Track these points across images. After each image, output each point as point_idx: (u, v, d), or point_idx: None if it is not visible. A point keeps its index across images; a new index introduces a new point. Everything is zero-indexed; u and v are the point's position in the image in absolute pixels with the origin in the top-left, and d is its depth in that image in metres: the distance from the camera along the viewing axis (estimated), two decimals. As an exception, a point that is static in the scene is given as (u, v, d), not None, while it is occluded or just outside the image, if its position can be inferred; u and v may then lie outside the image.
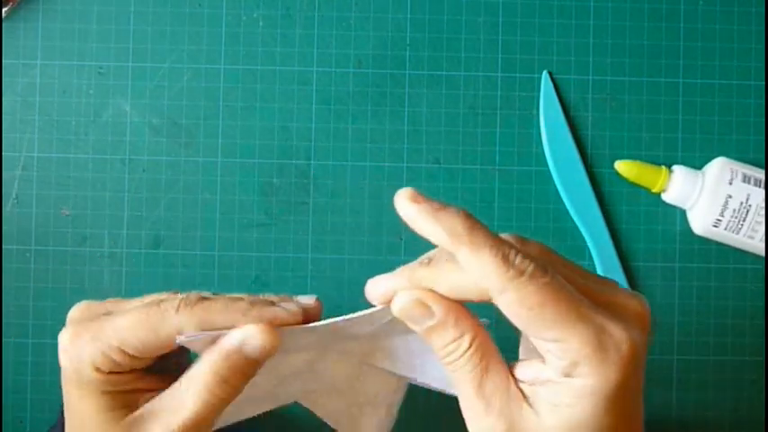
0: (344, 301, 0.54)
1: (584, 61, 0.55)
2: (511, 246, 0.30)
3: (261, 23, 0.54)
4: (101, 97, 0.54)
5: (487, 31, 0.55)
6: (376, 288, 0.33)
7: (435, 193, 0.54)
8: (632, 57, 0.55)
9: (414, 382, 0.38)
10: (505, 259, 0.30)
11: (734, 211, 0.51)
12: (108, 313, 0.35)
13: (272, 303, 0.34)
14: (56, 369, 0.55)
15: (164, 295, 0.35)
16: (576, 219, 0.54)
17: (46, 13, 0.54)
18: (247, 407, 0.38)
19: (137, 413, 0.34)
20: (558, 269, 0.31)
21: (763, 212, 0.51)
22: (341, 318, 0.34)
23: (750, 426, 0.54)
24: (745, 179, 0.51)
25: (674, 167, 0.53)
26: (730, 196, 0.51)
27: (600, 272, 0.54)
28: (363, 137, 0.54)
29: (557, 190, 0.54)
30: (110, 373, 0.34)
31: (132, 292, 0.53)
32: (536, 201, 0.54)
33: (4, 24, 0.54)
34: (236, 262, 0.54)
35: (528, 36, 0.55)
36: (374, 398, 0.39)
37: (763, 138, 0.55)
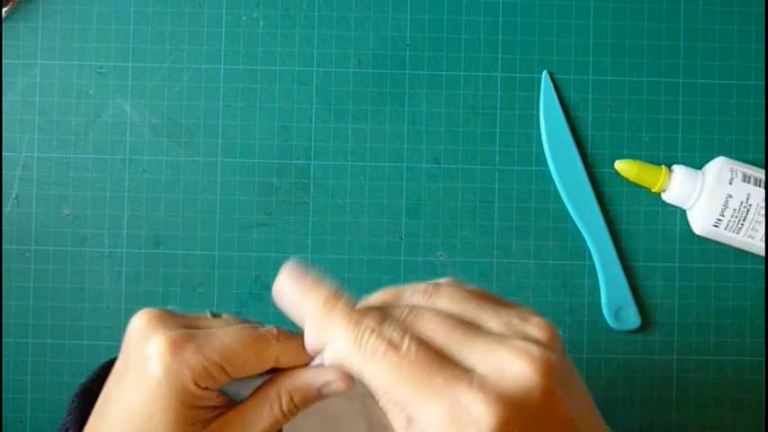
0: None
1: (584, 61, 0.55)
2: (368, 325, 0.31)
3: (261, 23, 0.54)
4: (101, 97, 0.54)
5: (487, 31, 0.55)
6: (287, 294, 0.36)
7: (435, 194, 0.54)
8: (632, 57, 0.55)
9: None
10: (355, 344, 0.31)
11: (734, 210, 0.51)
12: (196, 327, 0.36)
13: None
14: (56, 369, 0.56)
15: (247, 321, 0.38)
16: (575, 219, 0.54)
17: (46, 13, 0.54)
18: None
19: (211, 426, 0.35)
20: (455, 300, 0.31)
21: (763, 212, 0.51)
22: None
23: (750, 426, 0.54)
24: (746, 179, 0.51)
25: (674, 167, 0.53)
26: (730, 196, 0.51)
27: (600, 272, 0.54)
28: (363, 137, 0.54)
29: (557, 190, 0.54)
30: (206, 388, 0.34)
31: (132, 292, 0.53)
32: (536, 201, 0.54)
33: (4, 24, 0.54)
34: (236, 262, 0.54)
35: (528, 36, 0.55)
36: None
37: (763, 138, 0.55)
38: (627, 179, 0.53)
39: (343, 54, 0.54)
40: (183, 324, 0.36)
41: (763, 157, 0.54)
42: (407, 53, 0.54)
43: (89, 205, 0.54)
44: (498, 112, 0.54)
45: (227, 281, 0.54)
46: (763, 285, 0.54)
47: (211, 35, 0.54)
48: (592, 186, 0.54)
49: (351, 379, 0.34)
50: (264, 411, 0.35)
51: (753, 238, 0.52)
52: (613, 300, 0.53)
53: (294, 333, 0.36)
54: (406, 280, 0.54)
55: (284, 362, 0.36)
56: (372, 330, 0.30)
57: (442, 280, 0.34)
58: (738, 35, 0.55)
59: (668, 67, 0.55)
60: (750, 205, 0.51)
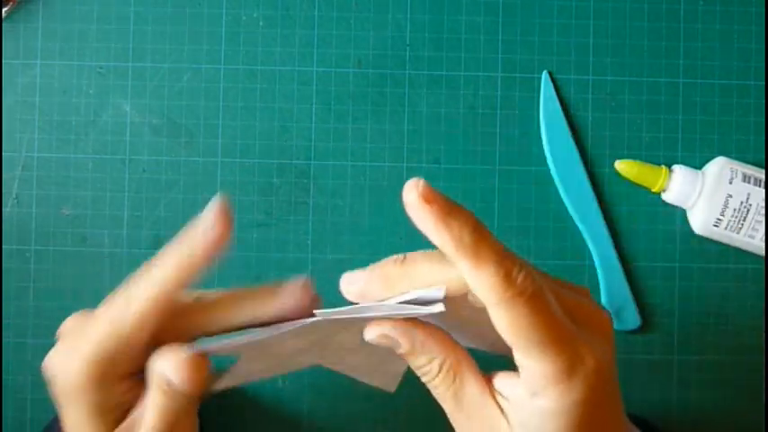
0: (344, 301, 0.54)
1: (584, 61, 0.55)
2: (515, 262, 0.30)
3: (261, 23, 0.54)
4: (101, 97, 0.54)
5: (487, 31, 0.55)
6: (350, 285, 0.36)
7: (435, 193, 0.54)
8: (632, 57, 0.55)
9: None
10: (507, 277, 0.30)
11: (734, 210, 0.51)
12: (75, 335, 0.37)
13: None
14: (56, 369, 0.55)
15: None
16: (576, 219, 0.54)
17: (46, 13, 0.54)
18: (257, 374, 0.38)
19: (122, 425, 0.35)
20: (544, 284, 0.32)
21: (763, 212, 0.51)
22: (317, 319, 0.35)
23: (750, 426, 0.54)
24: (746, 179, 0.51)
25: (674, 167, 0.53)
26: (730, 196, 0.51)
27: (600, 272, 0.54)
28: (363, 137, 0.54)
29: (557, 190, 0.54)
30: (93, 386, 0.35)
31: (132, 292, 0.53)
32: (536, 201, 0.54)
33: (4, 24, 0.54)
34: (236, 262, 0.54)
35: (528, 36, 0.55)
36: (387, 354, 0.39)
37: (763, 138, 0.55)
38: (627, 179, 0.53)
39: (343, 54, 0.54)
40: (84, 320, 0.37)
41: (763, 156, 0.54)
42: (407, 53, 0.54)
43: (89, 205, 0.54)
44: (498, 112, 0.54)
45: (227, 281, 0.54)
46: (763, 285, 0.54)
47: (211, 35, 0.54)
48: (592, 186, 0.54)
49: (195, 367, 0.33)
50: (149, 399, 0.34)
51: (753, 238, 0.52)
52: (613, 300, 0.53)
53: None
54: (406, 280, 0.54)
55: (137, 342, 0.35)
56: (523, 269, 0.30)
57: None
58: (738, 35, 0.55)
59: (668, 67, 0.55)
60: (750, 205, 0.51)
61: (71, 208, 0.54)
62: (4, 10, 0.54)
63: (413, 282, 0.33)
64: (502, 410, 0.33)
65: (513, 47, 0.54)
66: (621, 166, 0.53)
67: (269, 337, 0.35)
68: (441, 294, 0.33)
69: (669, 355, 0.54)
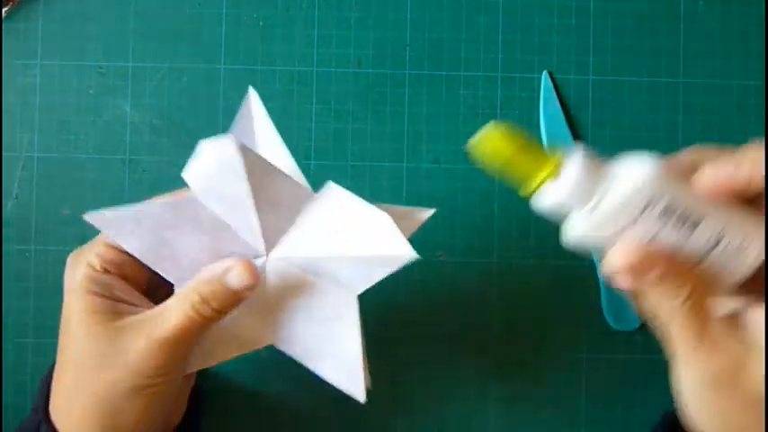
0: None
1: (584, 61, 0.55)
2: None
3: (261, 23, 0.54)
4: (101, 97, 0.54)
5: (487, 31, 0.55)
6: (616, 251, 0.33)
7: (435, 194, 0.54)
8: (632, 57, 0.55)
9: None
10: (671, 292, 0.32)
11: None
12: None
13: None
14: (56, 369, 0.55)
15: None
16: (575, 219, 0.54)
17: (46, 13, 0.54)
18: (216, 352, 0.39)
19: (124, 320, 0.37)
20: None
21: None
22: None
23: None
24: (667, 212, 0.47)
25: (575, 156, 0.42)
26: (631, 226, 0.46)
27: (599, 272, 0.54)
28: (363, 137, 0.54)
29: (557, 190, 0.54)
30: (103, 270, 0.39)
31: (132, 292, 0.53)
32: (536, 201, 0.54)
33: (4, 24, 0.54)
34: (236, 262, 0.54)
35: (528, 36, 0.55)
36: (332, 310, 0.39)
37: (763, 138, 0.55)
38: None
39: (343, 54, 0.54)
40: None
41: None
42: (407, 53, 0.54)
43: (89, 205, 0.54)
44: (498, 112, 0.54)
45: (227, 281, 0.54)
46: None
47: (211, 35, 0.54)
48: (592, 186, 0.54)
49: (255, 273, 0.36)
50: (176, 309, 0.37)
51: None
52: (613, 300, 0.53)
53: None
54: (407, 279, 0.55)
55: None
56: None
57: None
58: (738, 35, 0.55)
59: (668, 67, 0.55)
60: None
61: (71, 208, 0.54)
62: (4, 10, 0.54)
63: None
64: (757, 340, 0.31)
65: (513, 47, 0.55)
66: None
67: (151, 203, 0.40)
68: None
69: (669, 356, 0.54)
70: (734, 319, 0.32)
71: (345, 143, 0.54)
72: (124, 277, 0.40)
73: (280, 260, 0.39)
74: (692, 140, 0.54)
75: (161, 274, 0.39)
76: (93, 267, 0.39)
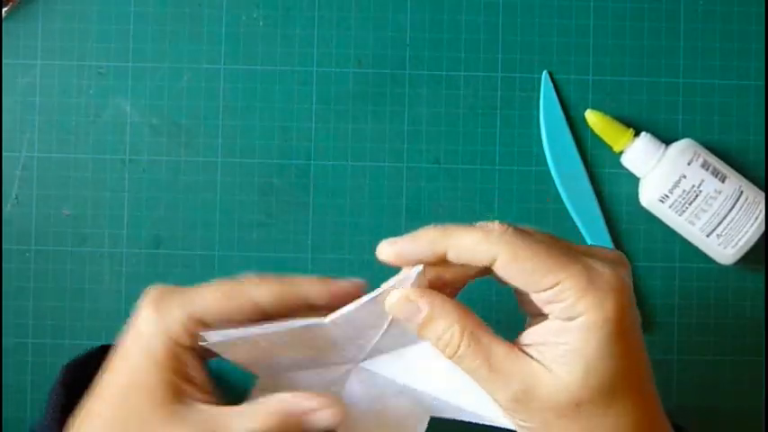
0: (344, 301, 0.54)
1: (584, 61, 0.55)
2: (495, 223, 0.34)
3: (261, 23, 0.54)
4: (101, 97, 0.54)
5: (487, 31, 0.55)
6: (390, 246, 0.37)
7: (435, 193, 0.54)
8: (632, 57, 0.55)
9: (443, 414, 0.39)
10: (485, 229, 0.33)
11: (683, 191, 0.51)
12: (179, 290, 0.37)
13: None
14: (56, 369, 0.55)
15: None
16: (575, 219, 0.54)
17: (46, 13, 0.54)
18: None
19: (190, 408, 0.35)
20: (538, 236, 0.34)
21: (710, 203, 0.51)
22: (326, 320, 0.36)
23: (750, 426, 0.54)
24: (705, 165, 0.51)
25: (642, 133, 0.53)
26: (684, 176, 0.51)
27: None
28: (363, 137, 0.54)
29: (557, 190, 0.54)
30: (190, 347, 0.35)
31: (132, 292, 0.53)
32: (536, 201, 0.54)
33: (4, 24, 0.54)
34: (236, 262, 0.54)
35: (528, 36, 0.55)
36: (404, 420, 0.39)
37: (763, 138, 0.54)
38: (592, 130, 0.53)
39: (344, 54, 0.54)
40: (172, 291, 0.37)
41: (762, 157, 0.54)
42: (407, 53, 0.54)
43: (89, 205, 0.54)
44: (498, 112, 0.54)
45: (227, 281, 0.54)
46: (763, 285, 0.54)
47: (211, 35, 0.54)
48: (592, 186, 0.54)
49: (342, 411, 0.35)
50: (241, 424, 0.35)
51: (693, 224, 0.51)
52: (613, 300, 0.53)
53: (274, 276, 0.37)
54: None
55: (267, 304, 0.36)
56: (502, 224, 0.34)
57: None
58: (738, 35, 0.55)
59: (668, 67, 0.55)
60: (700, 191, 0.51)
61: (71, 208, 0.54)
62: (4, 10, 0.54)
63: (449, 243, 0.35)
64: (536, 360, 0.33)
65: (513, 47, 0.54)
66: (591, 116, 0.53)
67: (277, 330, 0.36)
68: (415, 273, 0.34)
69: (669, 355, 0.54)
70: (514, 347, 0.34)
71: (345, 143, 0.54)
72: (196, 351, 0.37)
73: (366, 371, 0.39)
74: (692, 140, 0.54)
75: (253, 372, 0.38)
76: (177, 342, 0.35)
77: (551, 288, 0.32)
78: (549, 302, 0.32)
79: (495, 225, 0.34)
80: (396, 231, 0.54)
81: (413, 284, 0.35)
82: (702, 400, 0.54)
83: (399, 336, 0.38)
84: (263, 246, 0.54)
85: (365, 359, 0.39)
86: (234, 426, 0.35)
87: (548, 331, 0.33)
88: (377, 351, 0.39)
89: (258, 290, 0.36)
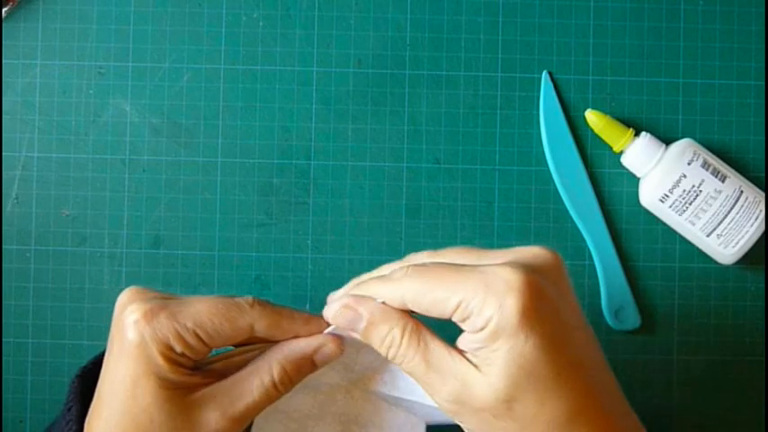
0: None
1: (584, 61, 0.55)
2: (392, 269, 0.37)
3: (261, 23, 0.54)
4: (101, 97, 0.54)
5: (487, 31, 0.55)
6: (330, 309, 0.38)
7: (435, 193, 0.54)
8: (632, 57, 0.55)
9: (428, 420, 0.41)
10: (390, 278, 0.36)
11: (684, 191, 0.51)
12: (172, 299, 0.37)
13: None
14: (56, 369, 0.56)
15: (227, 296, 0.38)
16: (575, 219, 0.54)
17: (46, 13, 0.54)
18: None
19: (196, 395, 0.36)
20: (444, 257, 0.37)
21: (710, 203, 0.51)
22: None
23: (750, 426, 0.54)
24: (705, 165, 0.51)
25: (642, 133, 0.53)
26: (684, 176, 0.51)
27: (600, 272, 0.54)
28: (363, 137, 0.54)
29: (557, 190, 0.54)
30: (180, 354, 0.35)
31: (132, 292, 0.53)
32: (536, 201, 0.54)
33: (4, 24, 0.54)
34: (236, 262, 0.54)
35: (528, 36, 0.55)
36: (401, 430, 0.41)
37: (763, 138, 0.54)
38: (592, 130, 0.53)
39: (344, 54, 0.54)
40: (161, 297, 0.37)
41: (762, 157, 0.54)
42: (407, 53, 0.54)
43: (89, 205, 0.54)
44: (498, 112, 0.54)
45: (227, 281, 0.54)
46: (763, 285, 0.54)
47: (211, 35, 0.54)
48: (592, 186, 0.54)
49: (341, 343, 0.37)
50: (255, 383, 0.36)
51: (693, 224, 0.51)
52: (613, 300, 0.53)
53: (271, 303, 0.38)
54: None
55: (261, 329, 0.37)
56: (401, 269, 0.36)
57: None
58: (738, 35, 0.55)
59: (668, 67, 0.55)
60: (700, 191, 0.51)
61: (71, 208, 0.54)
62: (4, 10, 0.54)
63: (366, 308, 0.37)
64: (470, 362, 0.34)
65: (513, 47, 0.54)
66: (591, 116, 0.53)
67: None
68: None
69: (669, 355, 0.54)
70: (452, 349, 0.35)
71: (345, 143, 0.54)
72: (199, 355, 0.37)
73: (360, 390, 0.41)
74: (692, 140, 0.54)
75: None
76: (172, 350, 0.35)
77: (458, 308, 0.33)
78: (463, 321, 0.34)
79: (396, 271, 0.36)
80: (396, 231, 0.54)
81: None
82: (702, 400, 0.54)
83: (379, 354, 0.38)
84: (263, 246, 0.54)
85: (357, 379, 0.40)
86: (243, 392, 0.36)
87: (475, 338, 0.34)
88: (364, 369, 0.40)
89: (256, 315, 0.37)
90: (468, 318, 0.33)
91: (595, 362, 0.35)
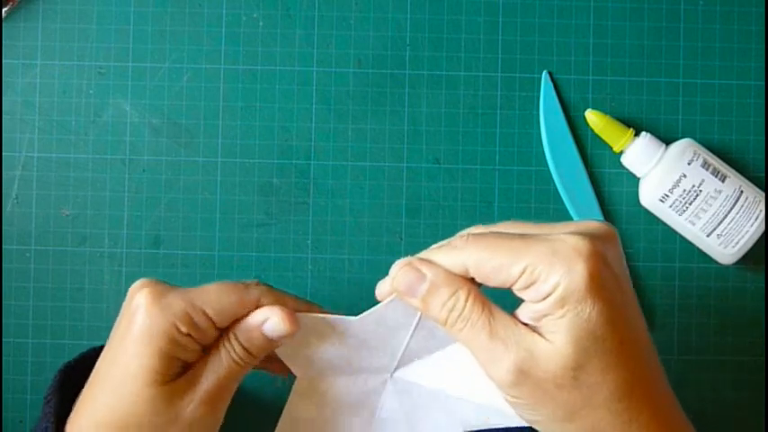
0: (344, 301, 0.54)
1: (584, 61, 0.55)
2: (450, 239, 0.36)
3: (261, 23, 0.54)
4: (101, 97, 0.54)
5: (487, 31, 0.55)
6: (384, 286, 0.37)
7: (435, 193, 0.54)
8: (632, 57, 0.55)
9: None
10: (450, 245, 0.35)
11: (684, 191, 0.51)
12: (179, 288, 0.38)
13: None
14: (55, 369, 0.55)
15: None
16: (575, 219, 0.54)
17: (46, 13, 0.54)
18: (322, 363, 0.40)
19: (176, 385, 0.37)
20: (501, 229, 0.35)
21: (710, 203, 0.51)
22: (355, 317, 0.37)
23: (750, 426, 0.54)
24: (705, 165, 0.51)
25: (642, 133, 0.53)
26: (684, 176, 0.51)
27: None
28: (363, 137, 0.54)
29: (557, 190, 0.54)
30: (185, 335, 0.36)
31: (132, 292, 0.53)
32: (536, 201, 0.54)
33: (4, 24, 0.54)
34: (236, 262, 0.54)
35: (528, 36, 0.55)
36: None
37: (763, 138, 0.54)
38: (592, 130, 0.53)
39: (344, 54, 0.54)
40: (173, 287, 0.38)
41: (762, 157, 0.54)
42: (407, 53, 0.54)
43: (89, 205, 0.54)
44: (498, 112, 0.54)
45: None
46: (763, 285, 0.54)
47: (211, 35, 0.54)
48: (592, 186, 0.54)
49: (294, 320, 0.37)
50: (223, 357, 0.37)
51: (693, 224, 0.51)
52: (613, 300, 0.53)
53: (274, 288, 0.38)
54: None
55: (267, 304, 0.38)
56: (461, 236, 0.35)
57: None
58: (738, 35, 0.55)
59: (668, 67, 0.55)
60: (700, 191, 0.51)
61: (71, 208, 0.54)
62: (4, 10, 0.54)
63: (431, 272, 0.36)
64: (535, 331, 0.34)
65: (513, 47, 0.54)
66: (591, 116, 0.53)
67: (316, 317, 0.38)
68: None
69: (669, 355, 0.54)
70: (515, 319, 0.35)
71: (345, 143, 0.54)
72: (199, 339, 0.38)
73: (400, 380, 0.40)
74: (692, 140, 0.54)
75: (289, 367, 0.40)
76: (179, 330, 0.36)
77: (522, 275, 0.33)
78: (527, 288, 0.33)
79: (457, 239, 0.35)
80: (396, 231, 0.54)
81: None
82: (702, 400, 0.54)
83: (428, 338, 0.38)
84: (263, 246, 0.54)
85: (398, 367, 0.40)
86: (211, 371, 0.37)
87: (538, 307, 0.33)
88: (408, 358, 0.39)
89: (261, 291, 0.38)
90: (533, 284, 0.33)
91: (648, 338, 0.36)
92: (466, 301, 0.34)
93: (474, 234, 0.35)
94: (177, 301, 0.36)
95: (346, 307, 0.53)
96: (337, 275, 0.54)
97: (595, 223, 0.35)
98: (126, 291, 0.53)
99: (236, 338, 0.37)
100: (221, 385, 0.37)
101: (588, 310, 0.32)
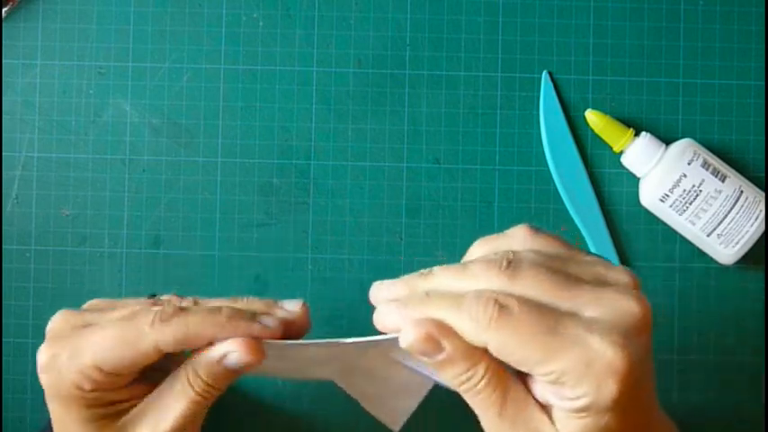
0: (344, 301, 0.54)
1: (584, 61, 0.55)
2: (471, 296, 0.31)
3: (261, 23, 0.54)
4: (101, 97, 0.54)
5: (487, 31, 0.55)
6: (379, 292, 0.34)
7: (435, 193, 0.54)
8: (632, 57, 0.55)
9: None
10: (471, 317, 0.31)
11: (684, 191, 0.51)
12: (86, 325, 0.36)
13: (254, 315, 0.35)
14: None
15: (140, 305, 0.36)
16: (575, 219, 0.54)
17: (46, 13, 0.54)
18: (274, 371, 0.39)
19: (126, 418, 0.35)
20: (541, 264, 0.32)
21: (710, 203, 0.51)
22: (345, 340, 0.35)
23: (750, 426, 0.54)
24: (705, 165, 0.51)
25: (642, 133, 0.53)
26: (685, 175, 0.51)
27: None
28: (363, 137, 0.54)
29: (557, 190, 0.54)
30: (92, 390, 0.34)
31: (132, 292, 0.53)
32: (536, 201, 0.54)
33: (4, 24, 0.54)
34: (236, 262, 0.54)
35: (528, 36, 0.55)
36: (404, 387, 0.39)
37: (763, 138, 0.54)
38: (592, 130, 0.53)
39: (344, 54, 0.54)
40: (78, 324, 0.36)
41: (762, 157, 0.54)
42: (407, 53, 0.54)
43: (89, 205, 0.54)
44: (498, 112, 0.54)
45: (227, 281, 0.54)
46: (763, 285, 0.54)
47: (211, 35, 0.54)
48: (592, 186, 0.54)
49: (258, 349, 0.34)
50: (178, 392, 0.35)
51: (693, 224, 0.51)
52: (613, 300, 0.53)
53: (192, 307, 0.35)
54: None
55: (168, 346, 0.34)
56: (478, 298, 0.31)
57: (515, 231, 0.36)
58: (738, 35, 0.55)
59: (668, 67, 0.55)
60: (700, 191, 0.51)
61: (71, 208, 0.54)
62: (4, 10, 0.54)
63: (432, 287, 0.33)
64: (545, 412, 0.32)
65: (513, 47, 0.54)
66: (591, 116, 0.53)
67: (293, 344, 0.35)
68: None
69: (669, 355, 0.54)
70: (530, 396, 0.33)
71: (345, 143, 0.54)
72: (115, 385, 0.36)
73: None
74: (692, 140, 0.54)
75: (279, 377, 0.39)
76: (81, 389, 0.34)
77: (548, 375, 0.31)
78: (549, 384, 0.31)
79: (480, 310, 0.31)
80: (396, 231, 0.54)
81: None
82: (702, 400, 0.54)
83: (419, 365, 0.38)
84: (263, 246, 0.54)
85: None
86: (169, 405, 0.35)
87: (556, 401, 0.32)
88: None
89: (158, 334, 0.34)
90: (557, 385, 0.31)
91: (653, 405, 0.35)
92: (482, 378, 0.32)
93: (501, 308, 0.31)
94: (69, 366, 0.34)
95: (346, 307, 0.53)
96: (337, 275, 0.54)
97: (630, 304, 0.32)
98: (126, 291, 0.53)
99: (197, 374, 0.35)
100: (185, 418, 0.35)
101: (607, 419, 0.31)
